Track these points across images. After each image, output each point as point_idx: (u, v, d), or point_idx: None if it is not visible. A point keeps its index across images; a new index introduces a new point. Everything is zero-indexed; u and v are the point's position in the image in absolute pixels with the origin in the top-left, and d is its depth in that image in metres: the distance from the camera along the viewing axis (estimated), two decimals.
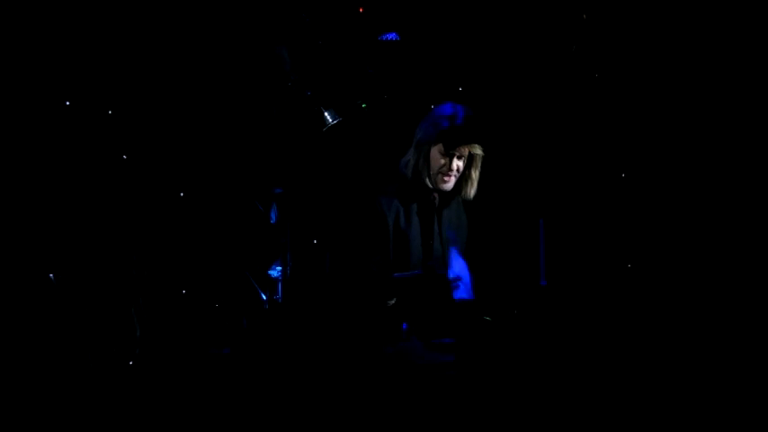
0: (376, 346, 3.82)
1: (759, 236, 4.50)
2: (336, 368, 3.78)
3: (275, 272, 4.52)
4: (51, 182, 4.38)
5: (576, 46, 4.67)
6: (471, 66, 4.88)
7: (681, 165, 4.62)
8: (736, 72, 4.57)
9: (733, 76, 4.58)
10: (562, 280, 4.46)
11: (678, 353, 4.14)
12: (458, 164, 4.07)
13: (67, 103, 4.42)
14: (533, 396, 3.64)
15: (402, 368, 3.70)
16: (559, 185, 4.73)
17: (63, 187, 4.40)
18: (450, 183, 4.07)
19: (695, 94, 4.61)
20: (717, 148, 4.59)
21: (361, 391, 3.70)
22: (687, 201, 4.60)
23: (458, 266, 4.13)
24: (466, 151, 4.05)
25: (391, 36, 4.86)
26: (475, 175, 4.13)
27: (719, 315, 4.41)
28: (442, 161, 4.06)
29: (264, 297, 4.57)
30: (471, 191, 4.14)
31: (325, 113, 4.42)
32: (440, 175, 4.06)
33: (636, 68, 4.67)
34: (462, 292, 4.06)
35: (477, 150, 4.06)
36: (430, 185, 4.09)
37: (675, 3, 4.62)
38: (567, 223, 4.66)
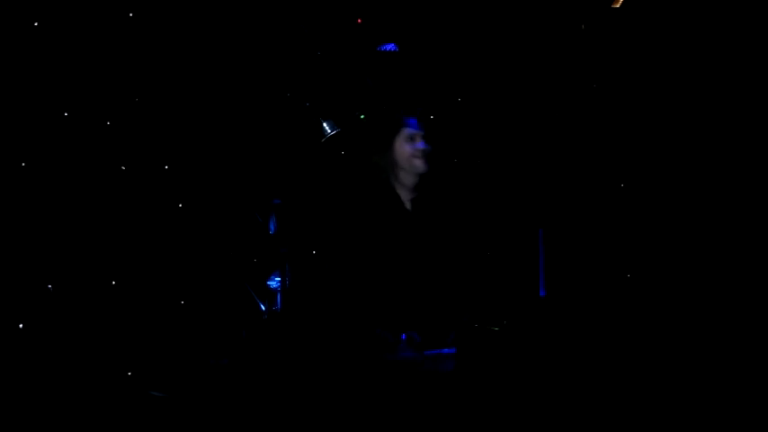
0: (375, 354, 3.82)
1: (759, 245, 4.50)
2: (336, 377, 3.78)
3: (274, 282, 4.52)
4: (50, 193, 4.38)
5: (575, 56, 4.69)
6: (470, 76, 4.89)
7: (680, 174, 4.63)
8: (733, 82, 4.58)
9: (731, 86, 4.59)
10: (561, 290, 4.46)
11: (678, 362, 4.13)
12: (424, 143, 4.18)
13: (66, 114, 4.43)
14: (533, 405, 3.64)
15: (402, 376, 3.70)
16: (558, 195, 4.73)
17: (62, 198, 4.40)
18: (424, 163, 4.15)
19: (693, 103, 4.62)
20: (716, 156, 4.59)
21: (360, 400, 3.69)
22: (686, 210, 4.60)
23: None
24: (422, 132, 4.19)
25: (390, 47, 4.87)
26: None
27: (720, 324, 4.41)
28: (409, 147, 4.12)
29: (263, 308, 4.57)
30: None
31: (324, 124, 4.43)
32: (413, 159, 4.12)
33: (634, 78, 4.68)
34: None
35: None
36: (406, 183, 4.11)
37: (672, 14, 4.63)
38: (567, 233, 4.66)
